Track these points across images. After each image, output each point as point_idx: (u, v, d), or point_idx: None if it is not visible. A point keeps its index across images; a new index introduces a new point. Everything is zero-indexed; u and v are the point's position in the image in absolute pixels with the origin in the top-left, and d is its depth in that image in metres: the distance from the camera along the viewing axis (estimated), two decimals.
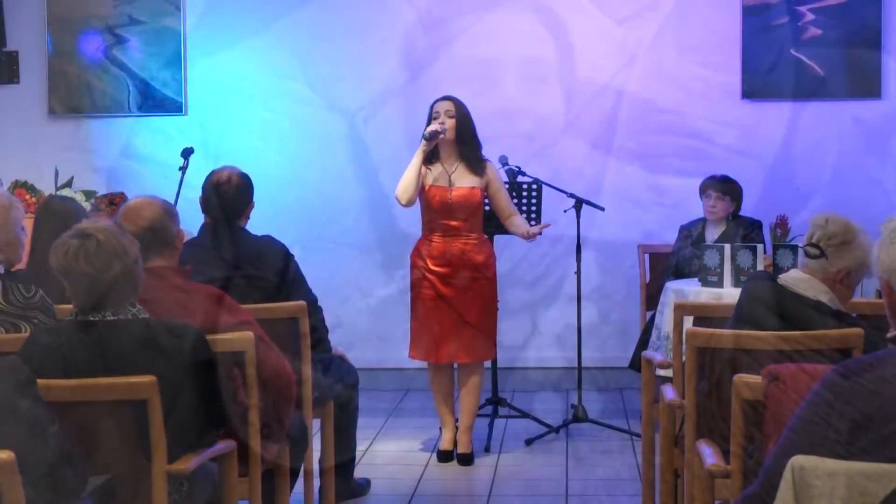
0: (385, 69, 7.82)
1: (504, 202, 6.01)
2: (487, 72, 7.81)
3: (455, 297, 5.88)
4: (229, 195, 4.75)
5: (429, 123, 5.89)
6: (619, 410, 7.06)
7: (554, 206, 6.61)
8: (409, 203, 5.85)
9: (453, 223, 5.88)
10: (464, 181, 5.88)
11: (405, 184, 5.83)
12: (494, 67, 7.84)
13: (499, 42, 7.85)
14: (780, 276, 4.07)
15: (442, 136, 5.82)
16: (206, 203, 4.80)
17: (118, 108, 7.84)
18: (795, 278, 3.94)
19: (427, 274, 5.89)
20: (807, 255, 3.92)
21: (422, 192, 5.86)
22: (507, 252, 6.94)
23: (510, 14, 7.79)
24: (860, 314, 4.18)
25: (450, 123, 5.84)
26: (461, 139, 5.88)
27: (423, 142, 5.83)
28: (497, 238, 6.33)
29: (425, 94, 7.74)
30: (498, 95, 7.76)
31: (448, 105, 5.87)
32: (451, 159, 5.91)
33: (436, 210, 5.87)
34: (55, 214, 4.72)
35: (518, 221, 6.05)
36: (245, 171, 4.88)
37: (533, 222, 6.44)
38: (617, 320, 7.69)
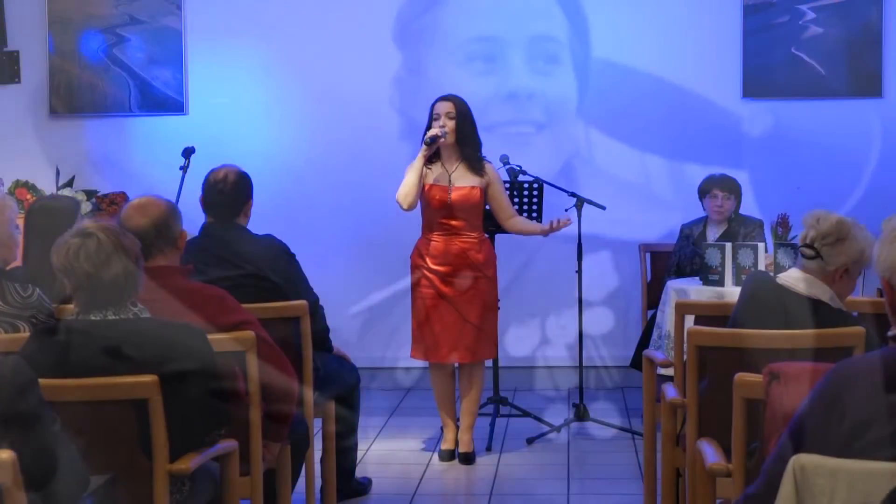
0: (380, 53, 7.69)
1: (504, 203, 6.01)
2: (491, 51, 7.60)
3: (456, 296, 5.88)
4: (225, 193, 4.75)
5: (429, 124, 5.87)
6: (621, 409, 7.06)
7: (555, 204, 6.60)
8: (411, 207, 5.85)
9: (453, 222, 5.88)
10: (464, 181, 5.87)
11: (406, 188, 5.82)
12: (499, 46, 7.60)
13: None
14: (779, 275, 4.07)
15: (442, 139, 5.81)
16: (204, 202, 4.80)
17: (119, 107, 7.84)
18: (795, 278, 3.95)
19: (427, 273, 5.89)
20: (803, 256, 3.93)
21: (422, 191, 5.86)
22: (508, 251, 6.92)
23: None
24: (861, 313, 4.18)
25: (450, 125, 5.83)
26: (462, 140, 5.87)
27: (424, 146, 5.82)
28: (498, 237, 6.33)
29: (422, 77, 7.60)
30: (503, 78, 7.57)
31: (448, 106, 5.86)
32: (452, 159, 5.91)
33: (436, 209, 5.87)
34: (44, 213, 4.71)
35: (523, 221, 6.09)
36: (246, 170, 4.88)
37: (534, 221, 6.44)
38: (618, 319, 7.68)
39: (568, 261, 6.71)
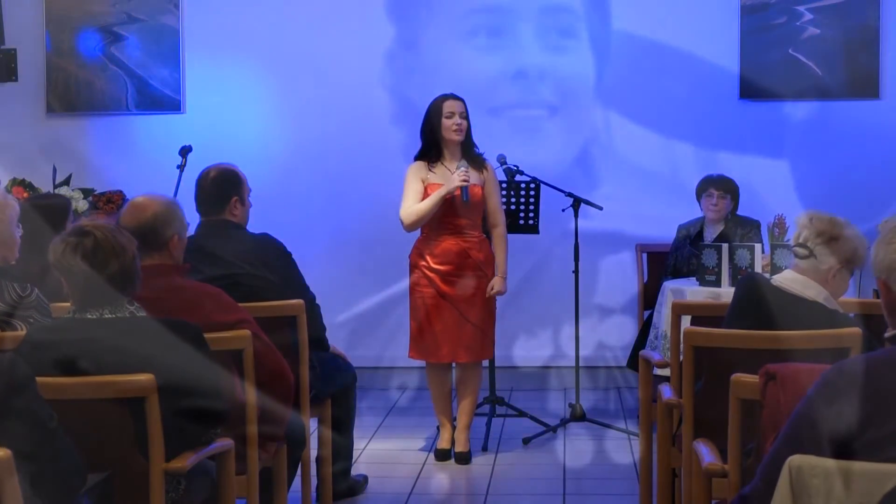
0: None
1: (493, 207, 5.96)
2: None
3: (456, 295, 5.87)
4: (206, 190, 4.76)
5: (436, 120, 5.79)
6: (617, 409, 7.06)
7: (554, 203, 6.59)
8: (412, 231, 5.83)
9: (456, 220, 5.87)
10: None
11: (419, 218, 5.76)
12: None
13: None
14: (773, 277, 4.07)
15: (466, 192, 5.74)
16: (195, 201, 4.81)
17: (116, 106, 7.84)
18: (790, 279, 3.95)
19: (428, 273, 5.88)
20: (796, 255, 3.93)
21: (423, 191, 5.83)
22: None
23: None
24: (858, 314, 4.18)
25: (464, 125, 5.81)
26: (466, 140, 5.86)
27: (452, 189, 5.69)
28: None
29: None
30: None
31: (461, 106, 5.82)
32: (455, 158, 5.88)
33: (440, 207, 5.82)
34: (34, 213, 4.70)
35: (502, 247, 5.94)
36: (243, 169, 4.88)
37: (531, 221, 6.44)
38: (615, 319, 7.68)
39: (565, 261, 6.71)
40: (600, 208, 6.47)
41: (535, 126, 7.21)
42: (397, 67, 7.52)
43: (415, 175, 5.84)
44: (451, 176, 5.78)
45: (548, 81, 7.27)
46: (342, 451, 5.17)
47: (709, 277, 6.05)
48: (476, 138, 5.94)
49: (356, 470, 5.48)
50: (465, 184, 5.73)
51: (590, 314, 7.51)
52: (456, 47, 7.23)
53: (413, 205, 5.78)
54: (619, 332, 7.62)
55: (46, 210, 4.84)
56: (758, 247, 6.06)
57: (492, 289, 5.93)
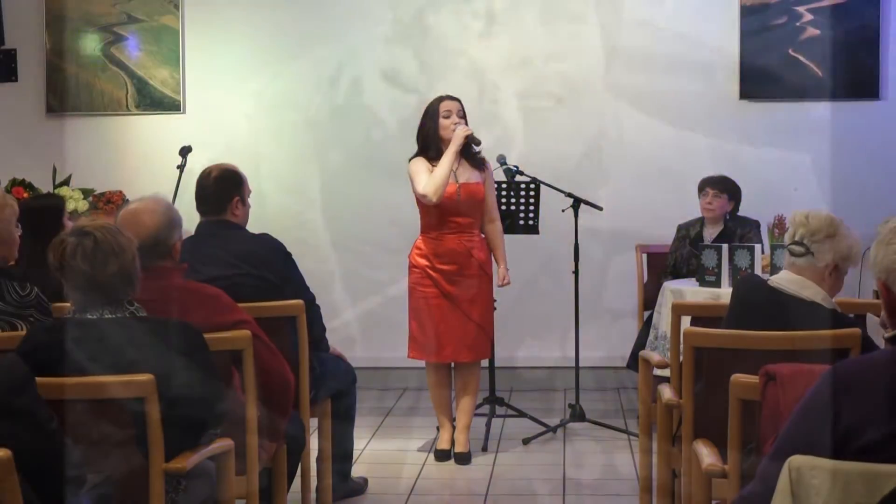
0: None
1: (492, 202, 5.99)
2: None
3: (459, 294, 5.87)
4: (209, 189, 4.74)
5: (434, 120, 5.80)
6: (617, 410, 7.06)
7: (556, 203, 6.57)
8: (440, 200, 5.77)
9: (459, 220, 5.86)
10: (469, 177, 5.85)
11: (440, 183, 5.71)
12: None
13: None
14: (771, 277, 4.07)
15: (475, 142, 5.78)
16: (195, 200, 4.80)
17: (116, 106, 7.84)
18: (787, 280, 3.94)
19: (430, 272, 5.87)
20: (792, 253, 3.93)
21: None
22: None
23: None
24: (857, 314, 4.18)
25: (462, 124, 5.82)
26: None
27: (462, 139, 5.73)
28: None
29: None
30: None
31: (459, 105, 5.83)
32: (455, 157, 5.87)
33: (444, 207, 5.82)
34: (28, 215, 4.70)
35: (499, 241, 5.99)
36: (243, 170, 4.87)
37: (531, 222, 6.43)
38: (614, 320, 7.67)
39: (564, 260, 6.70)
40: (600, 209, 6.46)
41: (541, 117, 7.11)
42: (396, 58, 7.48)
43: (420, 162, 5.83)
44: (455, 132, 5.76)
45: (554, 70, 7.15)
46: (342, 453, 5.16)
47: (709, 278, 6.05)
48: (479, 130, 5.91)
49: (356, 471, 5.47)
50: (468, 132, 5.73)
51: (590, 314, 7.49)
52: (456, 33, 7.13)
53: (429, 177, 5.76)
54: (619, 333, 7.61)
55: (40, 211, 4.84)
56: (758, 247, 6.06)
57: (503, 279, 5.94)
